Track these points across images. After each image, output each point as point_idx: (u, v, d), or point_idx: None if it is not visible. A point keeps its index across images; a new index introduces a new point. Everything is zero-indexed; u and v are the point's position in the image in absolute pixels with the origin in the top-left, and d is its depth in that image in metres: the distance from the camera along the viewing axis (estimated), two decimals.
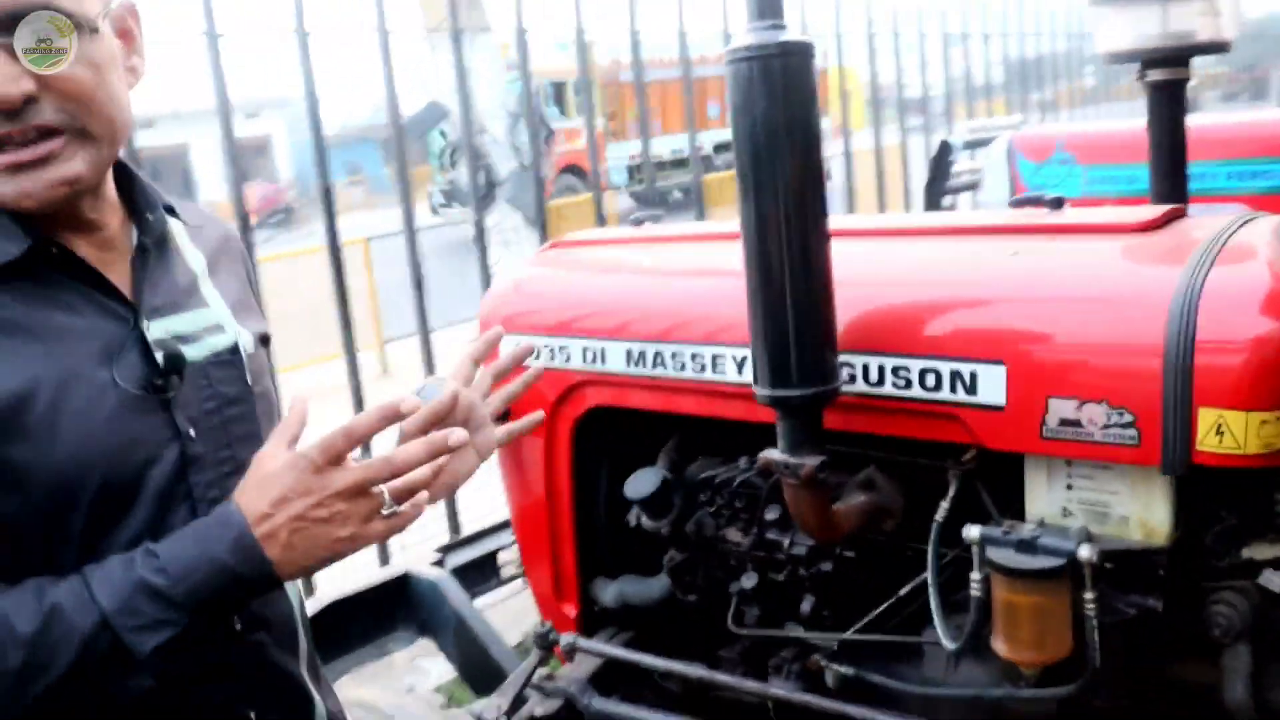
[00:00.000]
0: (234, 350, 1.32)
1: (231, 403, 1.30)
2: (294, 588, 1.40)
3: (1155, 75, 1.90)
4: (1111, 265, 1.61)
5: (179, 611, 1.09)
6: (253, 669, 1.30)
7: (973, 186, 4.02)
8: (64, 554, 1.12)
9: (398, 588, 2.73)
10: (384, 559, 3.14)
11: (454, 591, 2.66)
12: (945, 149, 3.82)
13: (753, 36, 1.55)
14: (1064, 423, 1.54)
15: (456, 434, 1.18)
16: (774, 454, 1.69)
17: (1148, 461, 1.48)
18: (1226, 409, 1.41)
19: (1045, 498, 1.66)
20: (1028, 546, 1.53)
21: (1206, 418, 1.43)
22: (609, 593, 2.37)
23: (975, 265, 1.75)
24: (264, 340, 1.42)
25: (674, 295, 2.06)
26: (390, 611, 2.73)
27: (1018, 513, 1.70)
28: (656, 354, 2.03)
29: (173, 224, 1.34)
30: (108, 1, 1.17)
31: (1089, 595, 1.52)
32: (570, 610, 2.43)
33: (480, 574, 2.95)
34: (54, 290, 1.17)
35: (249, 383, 1.32)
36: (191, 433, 1.23)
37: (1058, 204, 1.83)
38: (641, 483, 2.07)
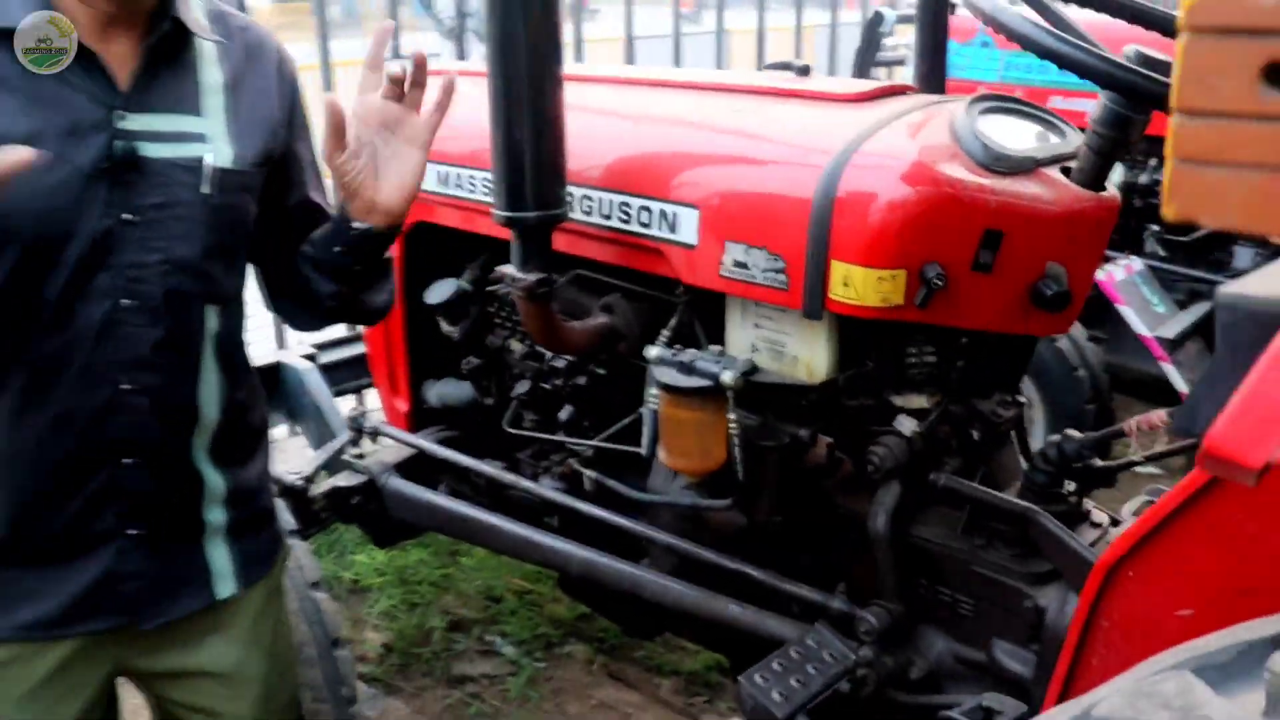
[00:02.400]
0: (198, 160, 1.44)
1: (180, 203, 1.43)
2: (214, 385, 1.54)
3: None
4: (804, 129, 1.77)
5: None
6: (127, 430, 1.46)
7: (900, 62, 4.08)
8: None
9: (272, 374, 3.00)
10: (281, 343, 3.47)
11: (316, 383, 2.93)
12: (877, 19, 3.87)
13: None
14: (737, 264, 1.73)
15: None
16: (506, 269, 1.90)
17: (793, 305, 1.67)
18: (852, 264, 1.59)
19: (739, 334, 1.86)
20: (687, 369, 1.74)
21: (838, 270, 1.61)
22: (433, 393, 2.63)
23: (698, 119, 1.92)
24: (265, 159, 1.53)
25: (476, 123, 2.24)
26: (266, 394, 3.01)
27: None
28: (458, 176, 2.23)
29: (202, 42, 1.49)
30: None
31: (731, 416, 1.73)
32: (402, 405, 2.69)
33: (351, 372, 3.22)
34: None
35: (205, 191, 1.44)
36: (126, 216, 1.39)
37: (804, 71, 1.98)
38: (439, 291, 2.30)
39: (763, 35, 4.92)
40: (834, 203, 1.60)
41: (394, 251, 2.45)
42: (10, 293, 1.36)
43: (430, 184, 2.29)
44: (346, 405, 3.19)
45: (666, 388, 1.74)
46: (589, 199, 1.94)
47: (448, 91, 1.56)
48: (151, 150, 1.41)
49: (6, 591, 1.47)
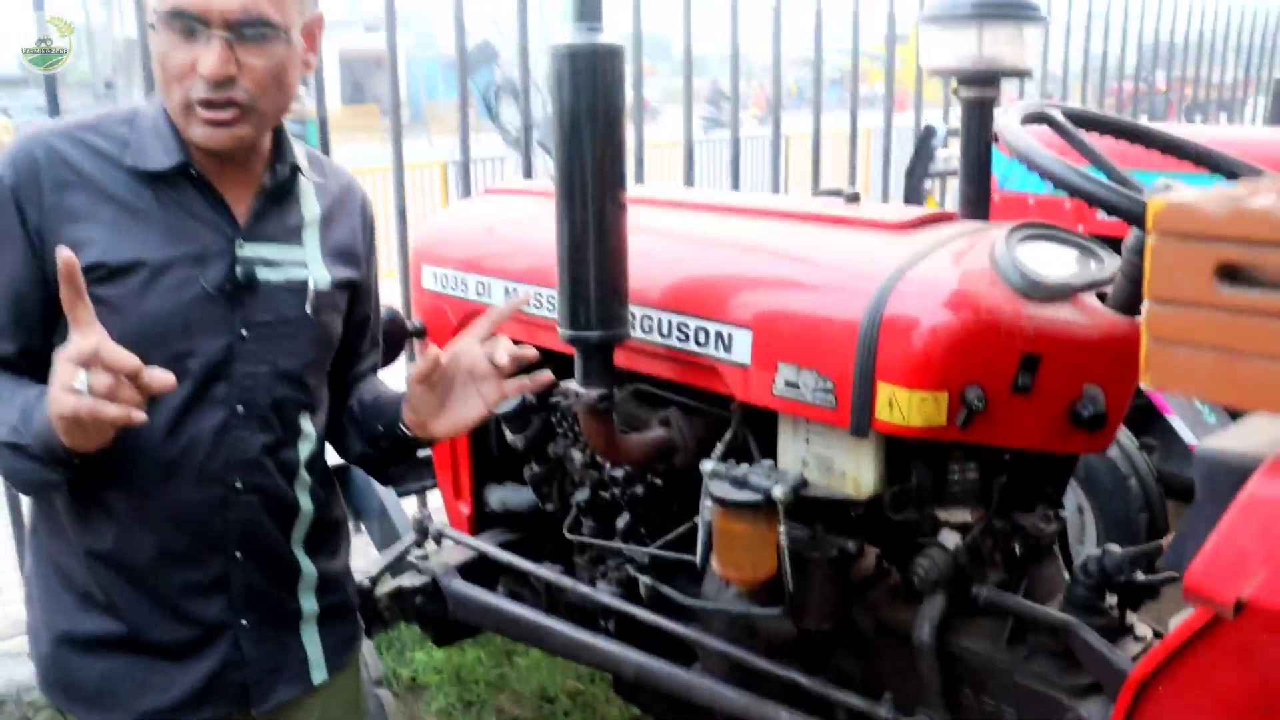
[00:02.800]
0: (304, 284, 1.64)
1: (288, 321, 1.63)
2: (307, 483, 1.71)
3: (967, 93, 2.13)
4: (852, 256, 1.88)
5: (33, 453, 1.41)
6: (239, 526, 1.63)
7: (954, 173, 4.16)
8: None
9: (340, 474, 3.11)
10: None
11: (381, 485, 3.05)
12: (929, 133, 3.98)
13: (572, 35, 1.84)
14: (788, 384, 1.83)
15: (157, 374, 1.33)
16: (570, 384, 2.02)
17: (841, 424, 1.77)
18: (896, 386, 1.69)
19: (790, 449, 1.95)
20: (740, 483, 1.83)
21: (883, 391, 1.70)
22: (495, 497, 2.74)
23: (753, 243, 2.04)
24: (348, 285, 1.74)
25: (542, 242, 2.38)
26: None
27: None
28: (524, 293, 2.36)
29: (303, 180, 1.71)
30: (303, 14, 1.56)
31: (781, 529, 1.81)
32: (464, 509, 2.80)
33: (415, 474, 3.33)
34: (185, 198, 1.55)
35: (308, 311, 1.64)
36: (244, 333, 1.58)
37: (854, 198, 2.10)
38: (505, 402, 2.41)
39: (819, 142, 5.07)
40: (880, 327, 1.70)
41: None
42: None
43: (497, 299, 2.42)
44: (410, 507, 3.31)
45: (720, 501, 1.84)
46: (649, 318, 2.05)
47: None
48: (265, 274, 1.60)
49: (129, 680, 1.61)
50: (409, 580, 2.56)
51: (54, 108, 3.24)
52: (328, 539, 1.81)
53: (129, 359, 1.28)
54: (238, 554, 1.63)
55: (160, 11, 1.46)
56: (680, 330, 2.00)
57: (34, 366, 1.50)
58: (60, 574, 1.64)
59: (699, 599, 2.13)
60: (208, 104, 1.48)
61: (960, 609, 1.89)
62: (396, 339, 2.67)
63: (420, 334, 2.72)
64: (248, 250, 1.59)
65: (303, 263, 1.66)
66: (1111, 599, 1.86)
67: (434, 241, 2.67)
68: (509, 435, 2.46)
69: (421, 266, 2.68)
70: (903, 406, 1.68)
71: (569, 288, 1.92)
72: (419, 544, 2.61)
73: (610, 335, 1.93)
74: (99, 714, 1.63)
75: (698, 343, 1.97)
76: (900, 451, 1.83)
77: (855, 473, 1.86)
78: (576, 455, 2.39)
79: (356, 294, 1.79)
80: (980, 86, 2.12)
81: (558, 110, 1.87)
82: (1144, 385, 0.87)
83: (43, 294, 1.49)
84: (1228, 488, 0.91)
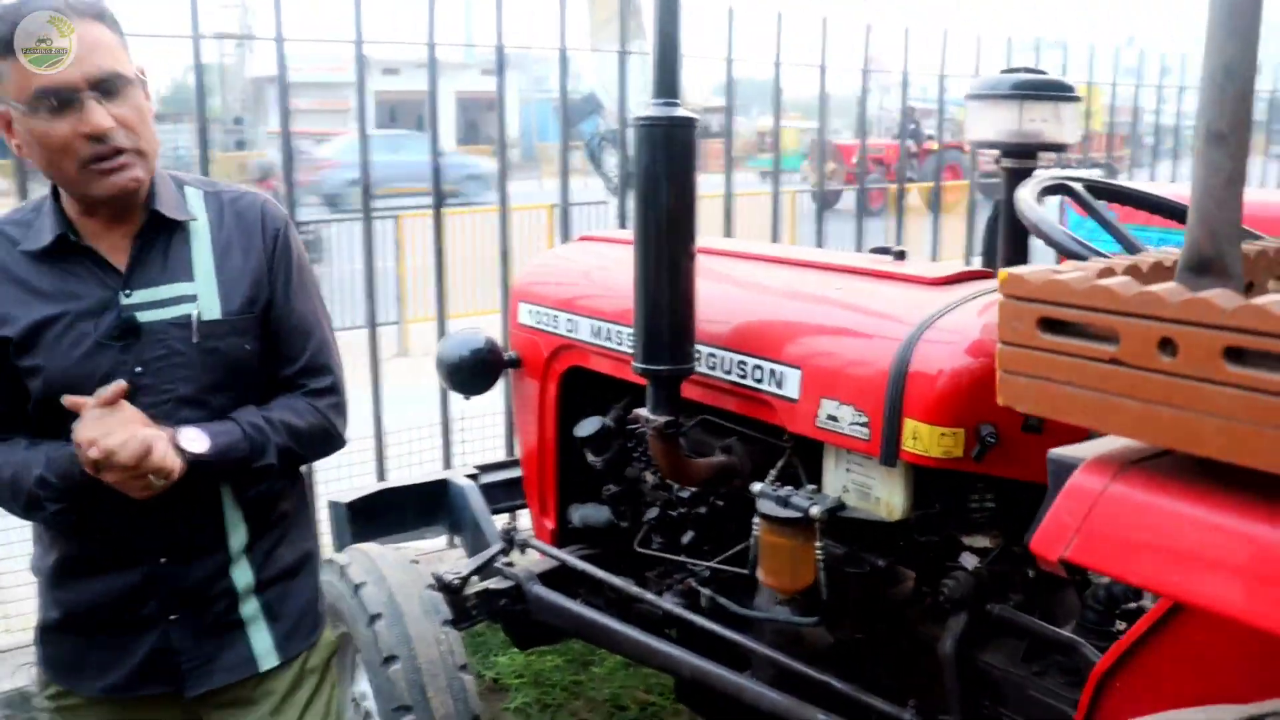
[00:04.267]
0: (188, 318, 1.82)
1: (178, 353, 1.81)
2: (229, 491, 1.90)
3: (1009, 163, 2.37)
4: (890, 306, 2.13)
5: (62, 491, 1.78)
6: (162, 539, 1.85)
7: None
8: (51, 425, 1.78)
9: (439, 489, 3.44)
10: (447, 463, 3.93)
11: (476, 499, 3.34)
12: (997, 208, 4.22)
13: (652, 110, 2.14)
14: (829, 417, 2.09)
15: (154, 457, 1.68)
16: (642, 412, 2.30)
17: (873, 453, 2.01)
18: (919, 421, 1.93)
19: (833, 476, 2.20)
20: (783, 502, 2.09)
21: (909, 426, 1.95)
22: (577, 514, 3.02)
23: (806, 291, 2.31)
24: (248, 307, 1.87)
25: (625, 286, 2.67)
26: (432, 507, 3.45)
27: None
28: (608, 330, 2.65)
29: (193, 217, 1.88)
30: (137, 68, 1.77)
31: (818, 544, 2.06)
32: (549, 524, 3.09)
33: (506, 492, 3.63)
34: (71, 265, 1.79)
35: (194, 341, 1.82)
36: (138, 369, 1.78)
37: (901, 256, 2.35)
38: (587, 426, 2.70)
39: (862, 204, 5.31)
40: (907, 370, 1.95)
41: (550, 393, 2.90)
42: (51, 438, 1.81)
43: (585, 335, 2.72)
44: (500, 522, 3.61)
45: (765, 517, 2.09)
46: (714, 356, 2.32)
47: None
48: (150, 316, 1.81)
49: (88, 659, 1.91)
50: (495, 583, 2.84)
51: (204, 141, 3.66)
52: (264, 538, 1.96)
53: (128, 461, 1.65)
54: (162, 560, 1.86)
55: (26, 100, 1.66)
56: (740, 368, 2.27)
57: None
58: (41, 574, 1.94)
59: (751, 610, 2.38)
60: (98, 158, 1.70)
61: (981, 626, 2.11)
62: (493, 368, 2.99)
63: (515, 364, 3.03)
64: (135, 297, 1.80)
65: (193, 296, 1.83)
66: (1121, 624, 2.06)
67: (531, 282, 2.99)
68: (589, 457, 2.74)
69: (519, 304, 2.99)
70: (924, 440, 1.93)
71: (643, 326, 2.21)
72: (505, 552, 2.90)
73: (677, 369, 2.22)
74: (76, 684, 1.93)
75: (755, 379, 2.24)
76: (927, 480, 2.07)
77: (888, 498, 2.10)
78: (649, 477, 2.67)
79: (270, 311, 1.91)
80: (1020, 158, 2.36)
81: (637, 172, 2.17)
82: (1000, 403, 1.16)
83: None
84: (1061, 481, 1.19)
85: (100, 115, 1.69)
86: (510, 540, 2.89)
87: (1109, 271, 1.18)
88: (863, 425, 2.02)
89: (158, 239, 1.85)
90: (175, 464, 1.70)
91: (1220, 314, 0.99)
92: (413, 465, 4.33)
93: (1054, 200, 3.99)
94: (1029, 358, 1.14)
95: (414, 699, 2.55)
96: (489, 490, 3.51)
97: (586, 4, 5.68)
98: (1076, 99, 2.38)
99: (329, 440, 1.99)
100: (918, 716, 2.10)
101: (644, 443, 2.65)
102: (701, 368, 2.33)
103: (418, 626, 2.63)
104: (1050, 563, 1.18)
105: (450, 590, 2.74)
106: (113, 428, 1.66)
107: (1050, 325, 1.14)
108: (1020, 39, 5.84)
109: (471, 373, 2.98)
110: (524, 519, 3.71)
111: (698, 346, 2.26)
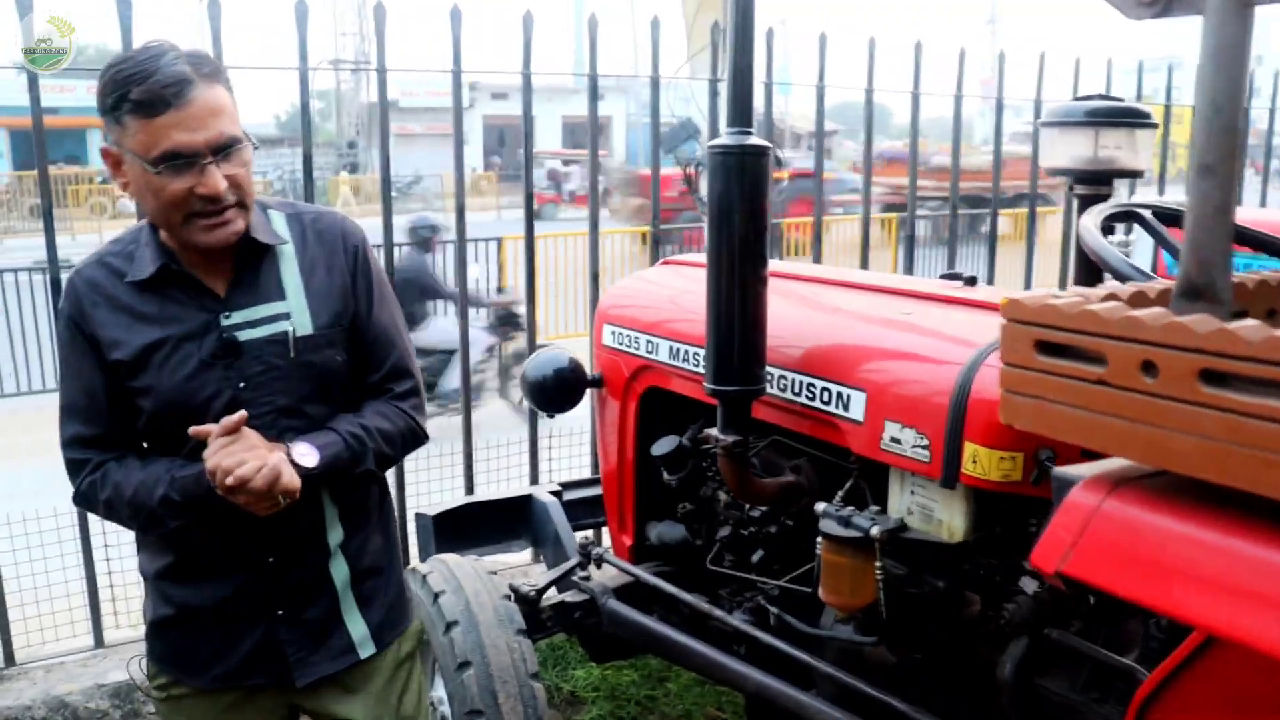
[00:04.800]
0: (285, 334, 1.95)
1: (276, 368, 1.95)
2: (326, 491, 2.03)
3: (1081, 190, 2.39)
4: (955, 331, 2.17)
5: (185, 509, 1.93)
6: (267, 540, 1.97)
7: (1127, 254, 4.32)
8: (164, 444, 1.95)
9: (523, 505, 3.55)
10: (534, 479, 4.05)
11: (558, 515, 3.44)
12: None
13: (726, 138, 2.22)
14: (893, 439, 2.13)
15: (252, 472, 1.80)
16: (712, 431, 2.36)
17: (934, 475, 2.05)
18: (979, 445, 1.97)
19: (897, 497, 2.24)
20: (845, 522, 2.13)
21: (969, 449, 1.99)
22: (653, 532, 3.09)
23: (874, 315, 2.35)
24: (336, 321, 2.01)
25: (701, 310, 2.74)
26: (515, 522, 3.56)
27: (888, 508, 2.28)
28: (685, 351, 2.73)
29: (282, 247, 2.01)
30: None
31: (877, 564, 2.10)
32: (626, 540, 3.17)
33: (588, 510, 3.72)
34: (173, 291, 1.93)
35: (291, 356, 1.96)
36: (241, 385, 1.92)
37: (971, 281, 2.38)
38: (663, 445, 2.78)
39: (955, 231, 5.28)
40: (969, 394, 1.99)
41: (630, 413, 2.98)
42: (160, 453, 1.96)
43: (664, 356, 2.81)
44: (581, 538, 3.70)
45: (826, 536, 2.14)
46: (784, 378, 2.38)
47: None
48: (249, 335, 1.94)
49: (198, 652, 2.05)
50: (571, 596, 2.93)
51: (308, 167, 3.84)
52: (356, 535, 2.10)
53: (262, 487, 1.79)
54: (270, 560, 1.99)
55: (154, 158, 1.77)
56: (809, 390, 2.33)
57: (109, 446, 1.97)
58: (150, 576, 2.07)
59: (816, 628, 2.43)
60: (207, 214, 1.84)
61: (1041, 651, 2.13)
62: (575, 388, 3.09)
63: (598, 384, 3.13)
64: (234, 318, 1.93)
65: (286, 314, 1.97)
66: None
67: (614, 304, 3.09)
68: (666, 476, 2.82)
69: (603, 325, 3.09)
70: (984, 463, 1.96)
71: (714, 348, 2.28)
72: (583, 566, 2.98)
73: (746, 390, 2.28)
74: (185, 675, 2.06)
75: (822, 401, 2.29)
76: (988, 504, 2.10)
77: (949, 520, 2.13)
78: (722, 496, 2.73)
79: (355, 323, 2.05)
80: (1094, 185, 2.37)
81: (710, 198, 2.25)
82: (1002, 421, 1.23)
83: (106, 384, 1.93)
84: (1061, 498, 1.24)
85: (217, 179, 1.81)
86: (587, 555, 2.98)
87: (1113, 297, 1.25)
88: (924, 448, 2.06)
89: (251, 262, 1.98)
90: (298, 484, 1.84)
91: (1196, 337, 1.05)
92: (501, 481, 4.45)
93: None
94: (1028, 378, 1.21)
95: (485, 704, 2.64)
96: (572, 507, 3.61)
97: (684, 33, 5.79)
98: (1153, 125, 2.39)
99: (415, 439, 2.13)
100: None
101: (716, 462, 2.72)
102: (773, 389, 2.39)
103: (491, 634, 2.73)
104: (1049, 575, 1.23)
105: (525, 601, 2.84)
106: (242, 455, 1.80)
107: (1046, 348, 1.20)
108: (1121, 62, 5.76)
109: (554, 391, 3.09)
110: (605, 536, 3.80)
111: (769, 368, 2.32)
